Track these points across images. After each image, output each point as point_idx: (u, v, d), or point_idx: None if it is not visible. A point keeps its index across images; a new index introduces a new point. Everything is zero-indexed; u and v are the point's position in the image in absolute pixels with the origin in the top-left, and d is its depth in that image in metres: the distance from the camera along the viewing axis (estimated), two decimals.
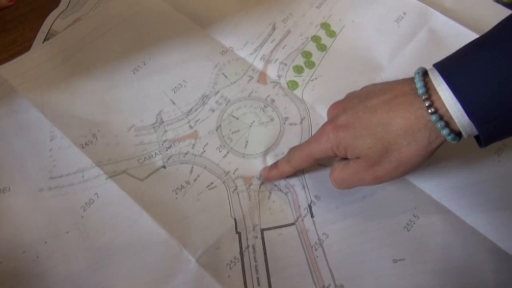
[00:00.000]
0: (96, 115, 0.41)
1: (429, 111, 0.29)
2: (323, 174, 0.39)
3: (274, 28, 0.47)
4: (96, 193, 0.36)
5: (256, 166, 0.39)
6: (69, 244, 0.34)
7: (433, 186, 0.38)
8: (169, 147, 0.39)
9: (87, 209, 0.36)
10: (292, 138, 0.40)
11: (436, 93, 0.29)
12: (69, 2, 0.49)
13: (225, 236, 0.35)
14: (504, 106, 0.28)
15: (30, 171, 0.37)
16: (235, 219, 0.36)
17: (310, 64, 0.45)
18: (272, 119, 0.41)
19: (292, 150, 0.37)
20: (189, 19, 0.47)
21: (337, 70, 0.44)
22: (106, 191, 0.36)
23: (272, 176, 0.38)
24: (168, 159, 0.39)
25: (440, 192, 0.38)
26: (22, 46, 0.45)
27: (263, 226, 0.36)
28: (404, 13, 0.48)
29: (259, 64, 0.44)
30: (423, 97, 0.29)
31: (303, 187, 0.38)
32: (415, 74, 0.31)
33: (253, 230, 0.36)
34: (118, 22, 0.46)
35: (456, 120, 0.29)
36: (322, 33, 0.47)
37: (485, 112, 0.28)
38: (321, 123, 0.40)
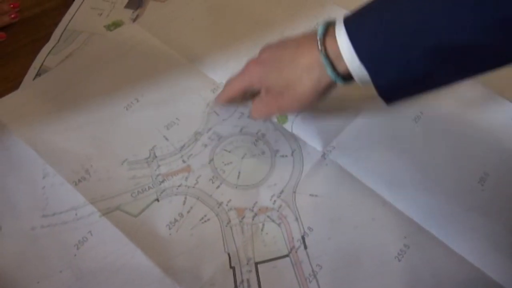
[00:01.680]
0: (88, 150, 0.41)
1: (320, 50, 0.34)
2: (315, 205, 0.39)
3: None
4: (90, 231, 0.36)
5: (249, 197, 0.40)
6: (62, 284, 0.34)
7: (421, 214, 0.39)
8: (163, 181, 0.40)
9: (80, 247, 0.35)
10: (284, 170, 0.41)
11: (334, 38, 0.34)
12: (59, 37, 0.50)
13: (219, 272, 0.36)
14: (394, 56, 0.32)
15: (23, 209, 0.37)
16: (228, 254, 0.37)
17: None
18: (263, 152, 0.42)
19: (227, 82, 0.43)
20: (180, 55, 0.48)
21: (326, 102, 0.45)
22: (99, 229, 0.36)
23: (218, 99, 0.44)
24: (162, 192, 0.39)
25: (428, 220, 0.39)
26: (13, 82, 0.45)
27: (257, 259, 0.37)
28: None
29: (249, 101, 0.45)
30: (319, 40, 0.34)
31: (296, 218, 0.39)
32: (319, 22, 0.37)
33: (247, 264, 0.36)
34: (110, 59, 0.47)
35: (347, 62, 0.33)
36: None
37: (373, 56, 0.33)
38: (312, 153, 0.42)
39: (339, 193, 0.40)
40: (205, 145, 0.42)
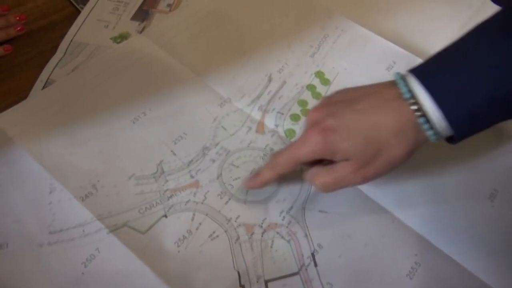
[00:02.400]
0: (95, 164, 0.40)
1: (416, 114, 0.32)
2: (325, 221, 0.39)
3: (270, 80, 0.48)
4: (97, 248, 0.36)
5: (258, 213, 0.39)
6: None
7: (431, 231, 0.39)
8: (171, 197, 0.39)
9: (88, 265, 0.35)
10: (293, 185, 0.41)
11: (419, 97, 0.32)
12: (66, 50, 0.49)
13: None
14: (477, 113, 0.31)
15: (29, 225, 0.36)
16: (238, 272, 0.36)
17: (307, 112, 0.46)
18: None
19: (276, 155, 0.37)
20: (187, 68, 0.48)
21: None
22: (107, 246, 0.36)
23: (256, 184, 0.37)
24: (170, 208, 0.39)
25: (439, 237, 0.38)
26: (19, 96, 0.45)
27: (267, 277, 0.36)
28: (394, 62, 0.50)
29: (256, 115, 0.45)
30: (410, 101, 0.32)
31: (305, 235, 0.38)
32: (397, 80, 0.34)
33: (257, 282, 0.36)
34: (117, 71, 0.47)
35: (437, 125, 0.32)
36: (316, 82, 0.48)
37: (461, 118, 0.32)
38: None
39: (348, 209, 0.40)
40: (213, 160, 0.42)
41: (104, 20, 0.52)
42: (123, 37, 0.51)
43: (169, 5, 0.54)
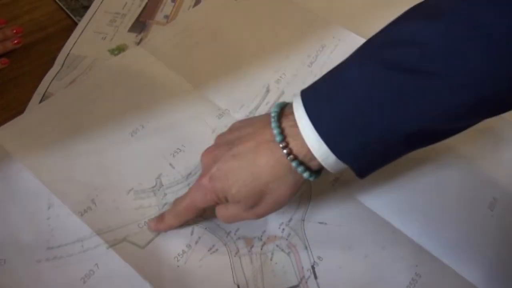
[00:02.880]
0: (94, 179, 0.40)
1: (288, 158, 0.32)
2: (325, 233, 0.39)
3: (268, 90, 0.48)
4: (96, 264, 0.35)
5: (257, 225, 0.39)
6: None
7: (431, 242, 0.39)
8: None
9: (87, 281, 0.35)
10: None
11: (294, 135, 0.31)
12: (63, 62, 0.49)
13: None
14: (366, 148, 0.30)
15: (27, 241, 0.36)
16: (238, 286, 0.36)
17: None
18: None
19: (176, 202, 0.38)
20: (185, 80, 0.48)
21: None
22: (106, 261, 0.35)
23: (160, 229, 0.38)
24: None
25: (439, 248, 0.38)
26: (16, 110, 0.45)
27: None
28: None
29: None
30: (281, 145, 0.32)
31: (305, 247, 0.38)
32: (271, 118, 0.33)
33: None
34: (115, 84, 0.47)
35: (322, 161, 0.31)
36: None
37: (349, 152, 0.31)
38: (321, 179, 0.41)
39: (348, 221, 0.40)
40: None
41: (102, 32, 0.52)
42: (120, 49, 0.51)
43: (166, 17, 0.55)
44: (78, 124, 0.44)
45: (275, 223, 0.39)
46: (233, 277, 0.36)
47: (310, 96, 0.32)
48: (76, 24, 0.53)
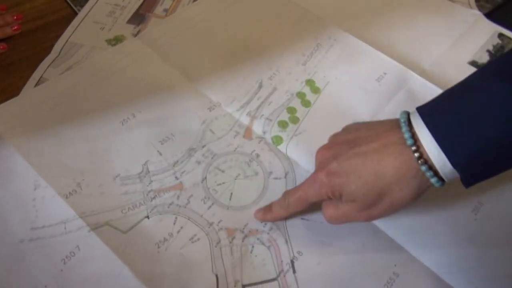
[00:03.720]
0: (82, 164, 0.41)
1: (419, 161, 0.32)
2: (306, 229, 0.39)
3: (261, 86, 0.48)
4: (78, 246, 0.36)
5: (240, 218, 0.39)
6: None
7: (412, 242, 0.39)
8: (154, 198, 0.40)
9: (67, 262, 0.35)
10: (277, 192, 0.41)
11: (422, 140, 0.32)
12: (61, 50, 0.50)
13: None
14: (483, 155, 0.31)
15: (12, 221, 0.37)
16: (216, 275, 0.36)
17: (295, 120, 0.46)
18: (256, 173, 0.42)
19: (287, 194, 0.38)
20: (179, 73, 0.49)
21: (321, 126, 0.46)
22: (88, 244, 0.36)
23: (267, 219, 0.39)
24: (152, 209, 0.39)
25: (419, 249, 0.38)
26: (12, 94, 0.45)
27: (245, 282, 0.36)
28: (385, 73, 0.50)
29: (245, 120, 0.46)
30: (412, 148, 0.32)
31: (286, 241, 0.39)
32: (401, 123, 0.33)
33: (235, 286, 0.36)
34: (110, 73, 0.48)
35: (439, 169, 0.32)
36: (307, 90, 0.49)
37: (466, 161, 0.31)
38: (305, 176, 0.42)
39: None
40: (199, 162, 0.42)
41: (101, 22, 0.53)
42: (118, 39, 0.52)
43: (165, 10, 0.55)
44: (70, 110, 0.44)
45: None
46: (212, 266, 0.37)
47: (427, 108, 0.33)
48: (76, 13, 0.54)
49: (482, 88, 0.31)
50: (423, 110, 0.33)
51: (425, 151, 0.32)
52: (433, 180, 0.32)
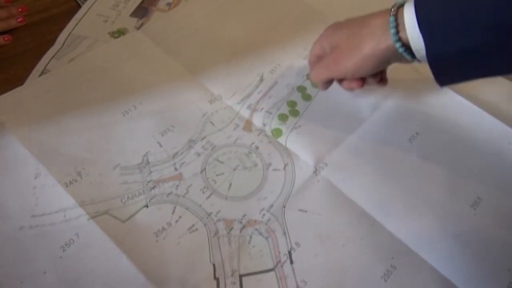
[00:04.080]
0: (82, 153, 0.41)
1: (391, 14, 0.36)
2: (304, 221, 0.39)
3: (262, 80, 0.49)
4: (77, 234, 0.36)
5: (239, 209, 0.40)
6: (45, 285, 0.34)
7: (410, 236, 0.39)
8: (153, 188, 0.40)
9: (66, 249, 0.36)
10: (275, 183, 0.41)
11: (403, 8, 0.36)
12: (64, 42, 0.51)
13: (203, 282, 0.36)
14: (458, 55, 0.34)
15: (12, 208, 0.37)
16: (214, 265, 0.37)
17: (295, 113, 0.46)
18: (256, 165, 0.42)
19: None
20: (181, 65, 0.49)
21: (320, 119, 0.46)
22: (87, 232, 0.36)
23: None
24: (152, 198, 0.39)
25: (417, 243, 0.38)
26: (15, 84, 0.46)
27: (242, 272, 0.37)
28: None
29: (245, 113, 0.46)
30: (395, 6, 0.37)
31: (284, 233, 0.39)
32: (391, 15, 0.37)
33: (232, 276, 0.36)
34: (112, 65, 0.48)
35: (408, 28, 0.35)
36: (307, 83, 0.49)
37: (431, 25, 0.34)
38: (304, 168, 0.42)
39: (328, 210, 0.40)
40: (198, 154, 0.42)
41: (104, 15, 0.54)
42: (121, 32, 0.52)
43: (168, 4, 0.56)
44: (73, 101, 0.45)
45: (256, 208, 0.40)
46: (210, 256, 0.37)
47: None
48: (79, 6, 0.54)
49: None
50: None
51: (401, 12, 0.36)
52: (392, 31, 0.36)
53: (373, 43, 0.37)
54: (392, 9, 0.37)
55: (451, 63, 0.35)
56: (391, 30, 0.36)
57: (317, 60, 0.43)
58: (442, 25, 0.34)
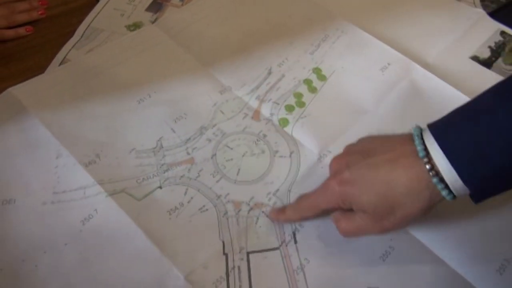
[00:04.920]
0: (100, 137, 0.44)
1: (431, 173, 0.32)
2: None
3: (270, 73, 0.51)
4: (96, 209, 0.39)
5: (246, 192, 0.42)
6: (67, 255, 0.36)
7: None
8: (167, 170, 0.42)
9: (86, 223, 0.38)
10: (281, 169, 0.44)
11: (434, 156, 0.32)
12: (82, 34, 0.53)
13: (213, 257, 0.38)
14: (494, 174, 0.31)
15: (35, 185, 0.40)
16: (223, 242, 0.39)
17: (301, 104, 0.49)
18: (263, 151, 0.45)
19: (300, 199, 0.39)
20: (194, 58, 0.52)
21: (325, 110, 0.48)
22: (105, 208, 0.39)
23: (279, 220, 0.40)
24: (165, 180, 0.42)
25: (414, 225, 0.40)
26: (36, 73, 0.49)
27: (249, 249, 0.39)
28: (389, 64, 0.53)
29: (254, 103, 0.48)
30: (424, 160, 0.32)
31: None
32: (414, 136, 0.34)
33: (239, 252, 0.39)
34: (128, 56, 0.51)
35: (450, 184, 0.32)
36: (313, 77, 0.51)
37: (477, 181, 0.32)
38: (309, 156, 0.44)
39: None
40: (209, 140, 0.45)
41: (121, 9, 0.56)
42: (136, 25, 0.55)
43: (181, 0, 0.58)
44: (91, 89, 0.47)
45: (263, 191, 0.42)
46: (219, 234, 0.39)
47: (439, 126, 0.33)
48: (97, 1, 0.57)
49: (492, 110, 0.32)
50: (434, 128, 0.33)
51: (435, 164, 0.32)
52: (444, 192, 0.32)
53: (423, 205, 0.33)
54: (426, 165, 0.32)
55: (489, 183, 0.32)
56: (443, 194, 0.32)
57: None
58: (487, 176, 0.31)
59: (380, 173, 0.33)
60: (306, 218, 0.39)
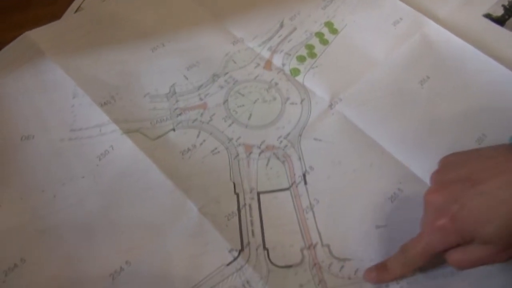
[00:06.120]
0: (115, 82, 0.45)
1: None
2: (319, 148, 0.42)
3: (282, 26, 0.51)
4: (111, 146, 0.40)
5: (258, 136, 0.43)
6: (84, 187, 0.38)
7: (418, 165, 0.41)
8: (180, 114, 0.43)
9: (102, 158, 0.39)
10: (292, 115, 0.44)
11: None
12: None
13: (224, 195, 0.39)
14: None
15: (53, 123, 0.41)
16: (234, 182, 0.40)
17: (312, 55, 0.49)
18: (274, 98, 0.45)
19: (405, 247, 0.34)
20: (208, 11, 0.52)
21: (336, 61, 0.49)
22: (120, 144, 0.40)
23: (384, 280, 0.35)
24: (178, 123, 0.43)
25: (424, 170, 0.41)
26: (51, 20, 0.49)
27: (260, 189, 0.40)
28: (401, 18, 0.53)
29: (265, 54, 0.49)
30: None
31: (299, 158, 0.42)
32: None
33: (250, 192, 0.40)
34: (142, 5, 0.51)
35: None
36: (325, 30, 0.51)
37: None
38: (320, 103, 0.45)
39: (342, 139, 0.43)
40: (221, 87, 0.46)
41: None
42: None
43: None
44: (106, 36, 0.48)
45: (274, 135, 0.43)
46: (230, 174, 0.40)
47: None
48: None
49: None
50: None
51: None
52: None
53: None
54: None
55: None
56: None
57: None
58: None
59: (497, 202, 0.30)
60: (416, 268, 0.35)
